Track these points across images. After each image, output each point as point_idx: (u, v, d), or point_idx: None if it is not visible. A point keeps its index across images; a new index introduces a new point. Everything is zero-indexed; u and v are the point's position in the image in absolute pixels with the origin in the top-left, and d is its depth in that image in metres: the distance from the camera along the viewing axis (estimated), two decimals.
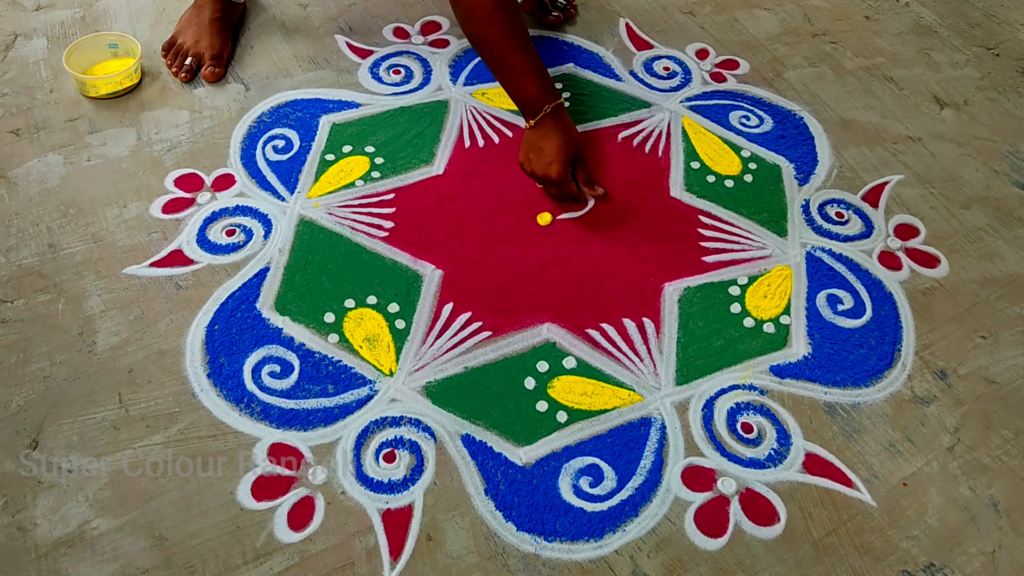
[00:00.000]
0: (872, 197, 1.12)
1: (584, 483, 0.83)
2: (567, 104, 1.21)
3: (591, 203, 1.08)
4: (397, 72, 1.25)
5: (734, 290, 1.00)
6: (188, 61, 1.21)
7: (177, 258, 1.00)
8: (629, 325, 0.96)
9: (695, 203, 1.09)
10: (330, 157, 1.12)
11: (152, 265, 0.99)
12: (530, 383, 0.90)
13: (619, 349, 0.94)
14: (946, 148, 1.19)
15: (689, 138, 1.18)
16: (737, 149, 1.17)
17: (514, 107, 1.19)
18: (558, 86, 1.24)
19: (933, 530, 0.82)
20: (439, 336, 0.94)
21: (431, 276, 0.99)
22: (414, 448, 0.85)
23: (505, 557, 0.78)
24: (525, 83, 1.02)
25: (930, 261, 1.05)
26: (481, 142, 1.15)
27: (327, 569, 0.77)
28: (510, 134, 1.16)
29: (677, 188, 1.11)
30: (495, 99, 1.21)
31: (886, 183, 1.13)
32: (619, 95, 1.24)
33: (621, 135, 1.17)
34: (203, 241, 1.01)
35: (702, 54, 1.32)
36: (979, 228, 1.09)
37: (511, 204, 1.08)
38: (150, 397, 0.87)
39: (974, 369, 0.94)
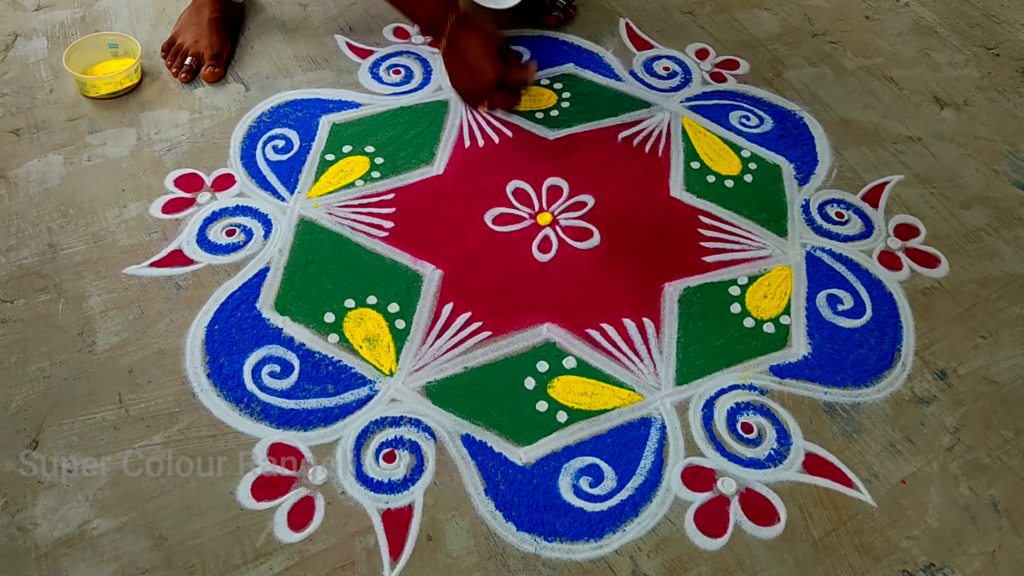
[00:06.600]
0: (872, 197, 1.12)
1: (584, 483, 0.83)
2: (566, 104, 1.21)
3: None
4: (397, 72, 1.25)
5: (734, 290, 1.00)
6: (188, 61, 1.21)
7: (177, 258, 1.00)
8: (629, 325, 0.96)
9: (695, 203, 1.09)
10: (330, 157, 1.12)
11: (152, 265, 0.99)
12: (530, 383, 0.90)
13: (619, 349, 0.94)
14: (946, 148, 1.19)
15: (689, 138, 1.18)
16: (737, 149, 1.17)
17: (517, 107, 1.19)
18: (558, 86, 1.24)
19: (933, 530, 0.82)
20: (439, 336, 0.94)
21: (431, 276, 0.99)
22: (414, 448, 0.85)
23: (505, 557, 0.78)
24: None
25: (930, 261, 1.05)
26: (481, 142, 1.15)
27: (327, 569, 0.77)
28: (510, 134, 1.16)
29: (677, 188, 1.11)
30: None
31: (886, 183, 1.13)
32: (619, 95, 1.23)
33: (621, 135, 1.17)
34: (203, 241, 1.01)
35: (702, 54, 1.32)
36: (979, 228, 1.09)
37: (511, 204, 1.08)
38: (150, 397, 0.87)
39: (974, 369, 0.94)
